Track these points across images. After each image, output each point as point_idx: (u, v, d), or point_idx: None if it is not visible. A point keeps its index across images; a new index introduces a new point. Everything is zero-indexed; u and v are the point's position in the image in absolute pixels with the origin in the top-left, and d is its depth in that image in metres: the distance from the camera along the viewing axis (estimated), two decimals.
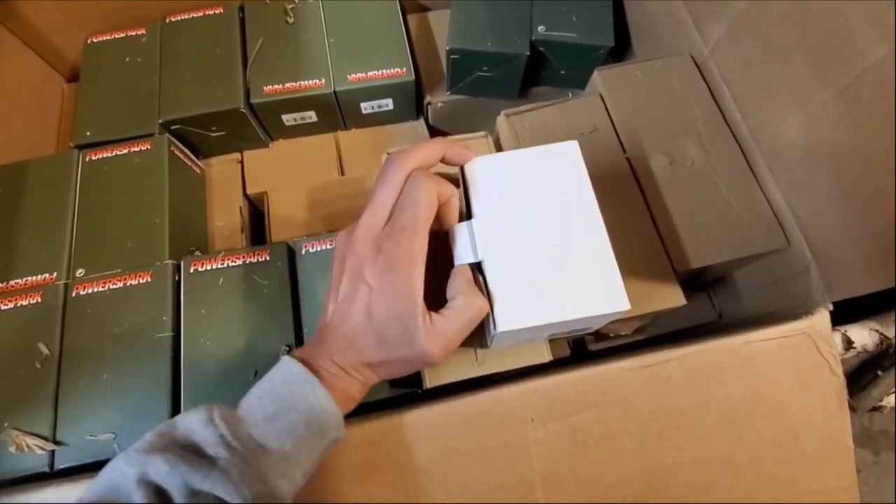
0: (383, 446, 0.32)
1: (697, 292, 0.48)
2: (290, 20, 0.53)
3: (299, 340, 0.38)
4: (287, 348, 0.37)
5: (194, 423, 0.25)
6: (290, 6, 0.53)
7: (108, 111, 0.50)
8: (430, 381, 0.33)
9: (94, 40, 0.53)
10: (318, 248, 0.41)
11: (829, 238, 0.34)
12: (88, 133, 0.49)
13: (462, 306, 0.27)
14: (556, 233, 0.28)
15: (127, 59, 0.52)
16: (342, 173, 0.54)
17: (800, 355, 0.34)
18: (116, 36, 0.53)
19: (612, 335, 0.44)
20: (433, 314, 0.27)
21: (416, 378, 0.34)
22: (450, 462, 0.32)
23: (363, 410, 0.35)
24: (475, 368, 0.34)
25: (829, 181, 0.33)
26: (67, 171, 0.46)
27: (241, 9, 0.54)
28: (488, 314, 0.28)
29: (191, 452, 0.24)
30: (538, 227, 0.28)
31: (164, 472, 0.23)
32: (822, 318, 0.34)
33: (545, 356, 0.34)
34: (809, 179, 0.35)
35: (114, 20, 0.54)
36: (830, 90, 0.31)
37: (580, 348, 0.46)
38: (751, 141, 0.39)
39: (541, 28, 0.48)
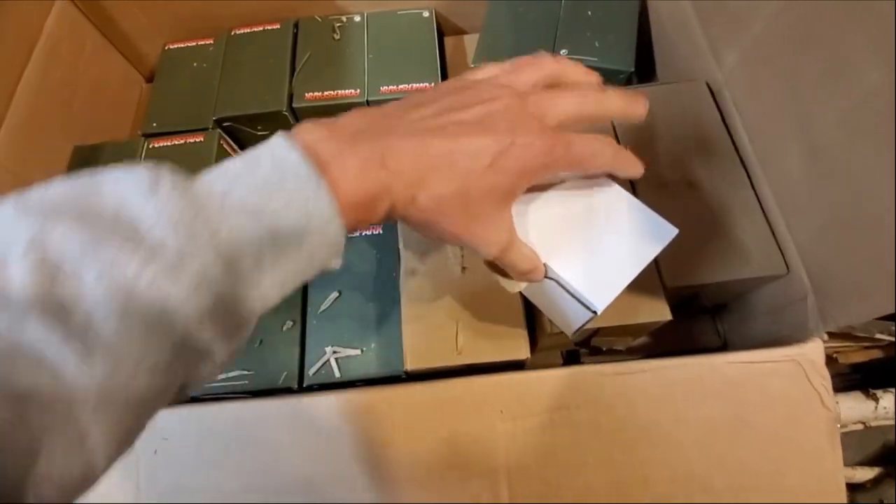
0: (354, 419, 0.34)
1: (701, 317, 0.47)
2: (337, 37, 0.58)
3: (304, 318, 0.41)
4: (291, 324, 0.41)
5: (130, 189, 0.17)
6: (339, 24, 0.59)
7: (173, 107, 0.57)
8: (410, 365, 0.35)
9: (171, 47, 0.61)
10: None
11: (826, 265, 0.33)
12: (155, 124, 0.56)
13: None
14: (585, 210, 0.29)
15: (195, 64, 0.59)
16: None
17: (788, 383, 0.33)
18: (189, 44, 0.61)
19: (605, 349, 0.44)
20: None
21: (398, 362, 0.36)
22: (417, 441, 0.33)
23: (343, 386, 0.37)
24: (455, 357, 0.35)
25: (828, 207, 0.33)
26: (132, 155, 0.53)
27: (296, 24, 0.60)
28: (572, 302, 0.28)
29: (122, 231, 0.16)
30: (568, 213, 0.29)
31: (72, 249, 0.16)
32: (814, 347, 0.33)
33: (524, 352, 0.35)
34: (810, 205, 0.34)
35: (189, 30, 0.61)
36: (831, 116, 0.31)
37: (573, 361, 0.47)
38: (757, 166, 0.39)
39: (563, 51, 0.51)
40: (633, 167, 0.28)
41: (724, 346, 0.46)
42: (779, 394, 0.33)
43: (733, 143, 0.41)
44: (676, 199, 0.39)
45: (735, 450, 0.33)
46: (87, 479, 0.16)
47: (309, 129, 0.21)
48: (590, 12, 0.52)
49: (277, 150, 0.20)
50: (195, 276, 0.17)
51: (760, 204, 0.39)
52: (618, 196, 0.29)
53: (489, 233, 0.24)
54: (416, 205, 0.22)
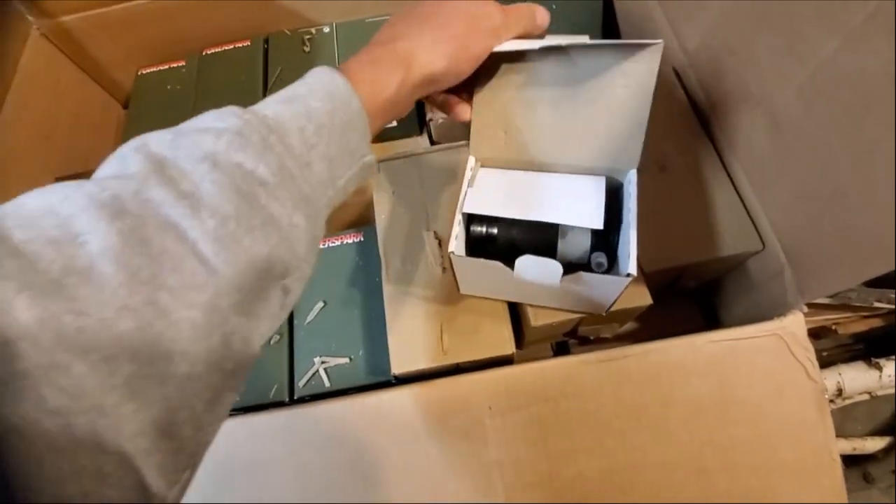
0: (347, 425, 0.34)
1: (686, 300, 0.47)
2: (307, 49, 0.59)
3: (291, 331, 0.41)
4: (278, 338, 0.41)
5: (203, 118, 0.22)
6: (308, 37, 0.59)
7: (149, 131, 0.57)
8: (397, 369, 0.35)
9: (144, 72, 0.62)
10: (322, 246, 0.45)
11: (798, 238, 0.34)
12: None
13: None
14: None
15: (168, 86, 0.60)
16: None
17: (771, 358, 0.33)
18: (161, 68, 0.61)
19: (592, 338, 0.44)
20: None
21: (388, 367, 0.36)
22: (409, 444, 0.34)
23: (334, 395, 0.38)
24: (441, 358, 0.35)
25: (795, 180, 0.33)
26: None
27: (266, 40, 0.60)
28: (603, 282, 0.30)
29: (201, 127, 0.21)
30: None
31: (166, 140, 0.20)
32: (795, 320, 0.34)
33: (509, 348, 0.35)
34: (778, 179, 0.34)
35: (161, 53, 0.62)
36: (789, 89, 0.32)
37: (562, 352, 0.47)
38: (726, 145, 0.39)
39: None
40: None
41: (710, 327, 0.46)
42: (763, 369, 0.33)
43: (702, 124, 0.41)
44: (650, 184, 0.39)
45: (724, 428, 0.33)
46: (229, 356, 0.19)
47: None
48: (554, 6, 0.53)
49: (312, 70, 0.25)
50: (257, 143, 0.20)
51: (733, 182, 0.39)
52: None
53: (489, 25, 0.28)
54: (437, 53, 0.27)
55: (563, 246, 0.31)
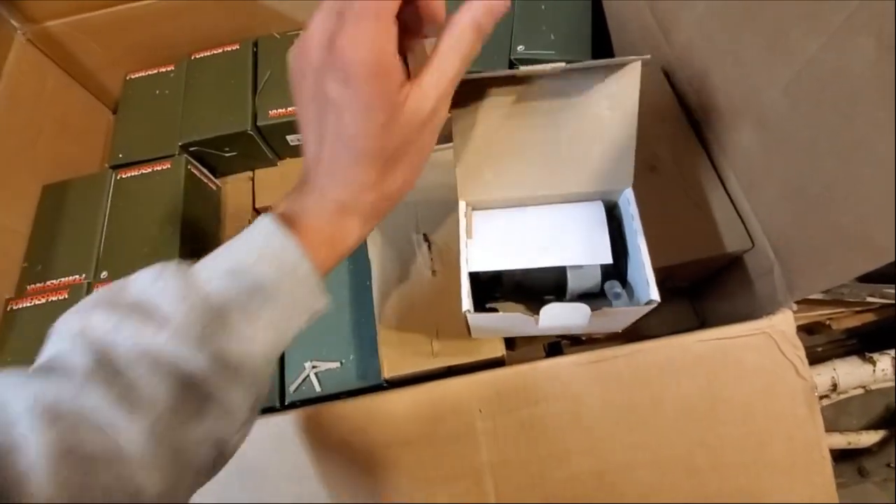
0: (337, 430, 0.34)
1: (679, 299, 0.47)
2: None
3: None
4: None
5: (145, 279, 0.22)
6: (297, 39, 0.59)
7: (138, 136, 0.57)
8: (388, 372, 0.35)
9: (132, 76, 0.61)
10: None
11: (786, 236, 0.34)
12: (121, 155, 0.56)
13: (452, 39, 0.23)
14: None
15: (157, 91, 0.59)
16: None
17: (761, 356, 0.33)
18: (150, 72, 0.61)
19: (584, 338, 0.44)
20: (416, 81, 0.22)
21: (379, 371, 0.36)
22: (400, 448, 0.33)
23: (326, 400, 0.37)
24: (432, 361, 0.35)
25: (782, 177, 0.33)
26: (101, 188, 0.53)
27: (255, 43, 0.60)
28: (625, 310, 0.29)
29: (141, 311, 0.21)
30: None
31: (107, 328, 0.20)
32: (784, 318, 0.34)
33: (499, 351, 0.35)
34: (766, 177, 0.35)
35: (150, 58, 0.61)
36: (775, 88, 0.32)
37: (555, 353, 0.47)
38: (715, 143, 0.39)
39: (520, 48, 0.51)
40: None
41: (702, 327, 0.46)
42: (752, 367, 0.33)
43: (691, 123, 0.41)
44: (640, 185, 0.39)
45: (714, 427, 0.33)
46: None
47: (289, 193, 0.25)
48: (543, 6, 0.53)
49: (257, 222, 0.23)
50: (196, 335, 0.21)
51: (722, 181, 0.39)
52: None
53: (420, 123, 0.23)
54: (373, 191, 0.24)
55: (573, 281, 0.31)
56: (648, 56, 0.28)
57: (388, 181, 0.24)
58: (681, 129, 0.41)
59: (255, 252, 0.22)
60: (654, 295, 0.27)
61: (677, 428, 0.33)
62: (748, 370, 0.33)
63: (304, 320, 0.24)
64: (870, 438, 0.77)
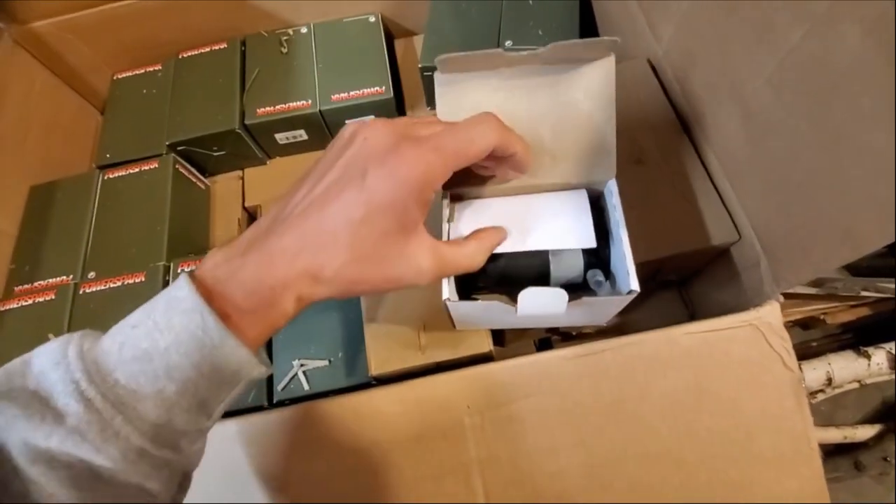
0: (325, 429, 0.34)
1: (669, 292, 0.47)
2: (284, 50, 0.58)
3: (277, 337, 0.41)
4: None
5: (46, 362, 0.20)
6: (285, 38, 0.59)
7: (125, 136, 0.56)
8: (375, 370, 0.35)
9: (119, 76, 0.61)
10: None
11: (772, 227, 0.34)
12: (108, 155, 0.55)
13: (478, 239, 0.28)
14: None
15: (144, 91, 0.59)
16: None
17: (747, 348, 0.33)
18: (137, 72, 0.61)
19: (575, 333, 0.44)
20: (436, 241, 0.25)
21: (367, 369, 0.36)
22: (388, 446, 0.33)
23: (314, 398, 0.37)
24: (419, 357, 0.35)
25: (765, 169, 0.33)
26: (88, 188, 0.52)
27: (243, 42, 0.60)
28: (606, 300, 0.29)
29: (38, 402, 0.19)
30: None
31: (2, 426, 0.19)
32: (771, 309, 0.34)
33: (486, 346, 0.35)
34: (751, 169, 0.34)
35: (137, 57, 0.61)
36: (760, 78, 0.32)
37: (546, 347, 0.47)
38: (701, 135, 0.39)
39: (508, 43, 0.51)
40: (521, 144, 0.27)
41: (692, 320, 0.46)
42: (739, 359, 0.33)
43: (677, 115, 0.41)
44: (626, 178, 0.39)
45: (702, 419, 0.33)
46: None
47: (210, 257, 0.23)
48: (531, 2, 0.52)
49: (173, 291, 0.21)
50: (97, 439, 0.19)
51: (709, 173, 0.39)
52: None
53: (410, 266, 0.24)
54: (322, 285, 0.23)
55: (556, 269, 0.30)
56: (618, 39, 0.28)
57: (349, 271, 0.23)
58: (667, 121, 0.41)
59: (171, 334, 0.20)
60: (635, 285, 0.27)
61: (665, 421, 0.33)
62: (735, 362, 0.33)
63: (235, 394, 0.23)
64: (866, 433, 0.77)
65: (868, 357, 0.72)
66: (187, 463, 0.23)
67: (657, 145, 0.40)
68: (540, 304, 0.28)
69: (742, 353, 0.33)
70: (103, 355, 0.20)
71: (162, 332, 0.20)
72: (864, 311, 0.68)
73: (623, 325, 0.47)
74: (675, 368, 0.33)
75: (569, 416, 0.33)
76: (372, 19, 0.59)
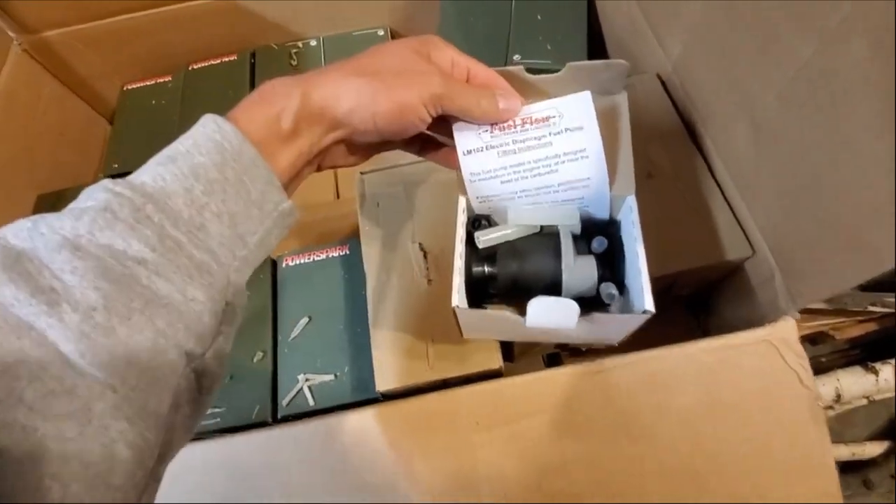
0: (331, 445, 0.33)
1: (680, 308, 0.47)
2: (294, 62, 0.59)
3: (275, 348, 0.40)
4: (261, 355, 0.40)
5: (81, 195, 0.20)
6: (295, 50, 0.59)
7: (134, 146, 0.57)
8: (382, 386, 0.34)
9: (129, 87, 0.61)
10: (299, 262, 0.44)
11: (786, 242, 0.33)
12: (116, 165, 0.55)
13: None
14: None
15: (153, 101, 0.59)
16: (337, 196, 0.58)
17: (763, 364, 0.33)
18: (147, 83, 0.61)
19: (584, 349, 0.44)
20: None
21: (374, 384, 0.35)
22: (395, 463, 0.32)
23: (320, 413, 0.37)
24: (427, 373, 0.34)
25: (777, 183, 0.33)
26: None
27: (253, 54, 0.60)
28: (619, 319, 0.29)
29: (66, 209, 0.19)
30: None
31: (24, 229, 0.18)
32: (786, 325, 0.33)
33: (496, 362, 0.34)
34: (762, 183, 0.34)
35: (147, 68, 0.61)
36: (769, 92, 0.31)
37: (555, 364, 0.46)
38: (713, 149, 0.39)
39: (516, 57, 0.51)
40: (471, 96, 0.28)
41: (704, 335, 0.45)
42: (755, 376, 0.33)
43: (688, 129, 0.41)
44: (637, 191, 0.39)
45: (718, 435, 0.32)
46: (115, 468, 0.16)
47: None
48: (539, 16, 0.53)
49: (200, 120, 0.22)
50: (128, 219, 0.18)
51: (720, 187, 0.39)
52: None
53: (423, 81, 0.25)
54: (334, 86, 0.24)
55: (568, 278, 0.30)
56: (625, 62, 0.28)
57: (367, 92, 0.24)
58: (677, 135, 0.41)
59: (190, 140, 0.21)
60: (650, 305, 0.26)
61: (681, 437, 0.32)
62: (751, 378, 0.33)
63: (269, 224, 0.22)
64: (874, 449, 0.76)
65: (876, 373, 0.71)
66: (228, 287, 0.21)
67: (668, 159, 0.40)
68: (549, 315, 0.27)
69: (758, 370, 0.33)
70: (140, 171, 0.21)
71: (182, 141, 0.21)
72: (871, 327, 0.68)
73: (633, 340, 0.46)
74: (691, 385, 0.33)
75: (580, 431, 0.33)
76: (381, 33, 0.59)
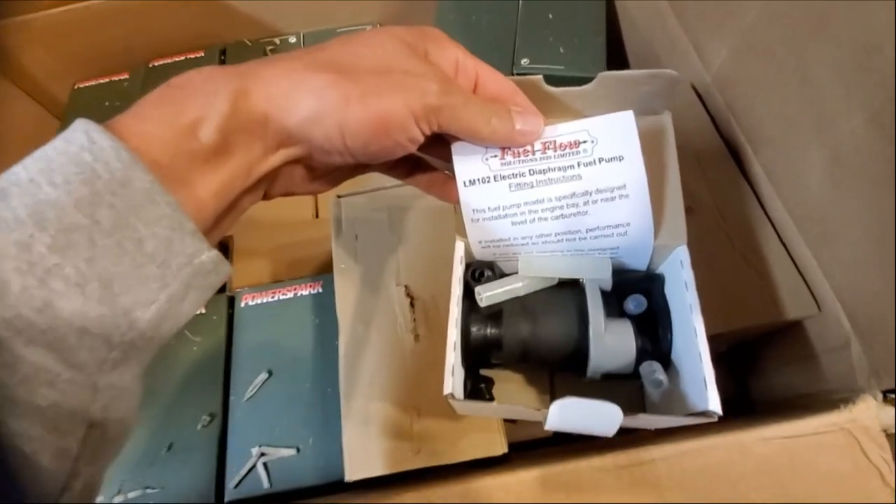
0: None
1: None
2: None
3: (225, 410, 0.33)
4: (208, 419, 0.32)
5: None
6: (271, 47, 0.52)
7: None
8: (351, 474, 0.27)
9: (81, 86, 0.54)
10: (261, 301, 0.36)
11: (872, 304, 0.26)
12: None
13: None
14: None
15: (107, 103, 0.52)
16: (317, 215, 0.51)
17: (840, 459, 0.26)
18: (101, 81, 0.53)
19: None
20: None
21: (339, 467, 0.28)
22: None
23: (277, 499, 0.29)
24: (411, 459, 0.27)
25: (864, 230, 0.26)
26: None
27: (223, 51, 0.53)
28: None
29: None
30: None
31: None
32: (867, 408, 0.26)
33: (499, 447, 0.27)
34: (842, 229, 0.27)
35: (102, 65, 0.54)
36: (860, 115, 0.25)
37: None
38: (766, 181, 0.32)
39: (524, 61, 0.44)
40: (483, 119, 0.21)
41: (746, 403, 0.38)
42: (829, 474, 0.26)
43: (732, 154, 0.34)
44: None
45: None
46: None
47: None
48: (551, 15, 0.46)
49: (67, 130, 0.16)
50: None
51: (774, 227, 0.32)
52: None
53: (412, 79, 0.18)
54: (286, 83, 0.17)
55: (597, 351, 0.23)
56: (675, 73, 0.22)
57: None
58: (721, 162, 0.34)
59: (42, 161, 0.14)
60: (715, 405, 0.19)
61: None
62: (823, 478, 0.26)
63: (177, 286, 0.15)
64: None
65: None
66: (94, 400, 0.14)
67: (709, 191, 0.33)
68: (580, 421, 0.20)
69: (832, 467, 0.26)
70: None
71: (27, 162, 0.14)
72: None
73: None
74: (749, 486, 0.25)
75: None
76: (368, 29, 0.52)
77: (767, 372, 0.36)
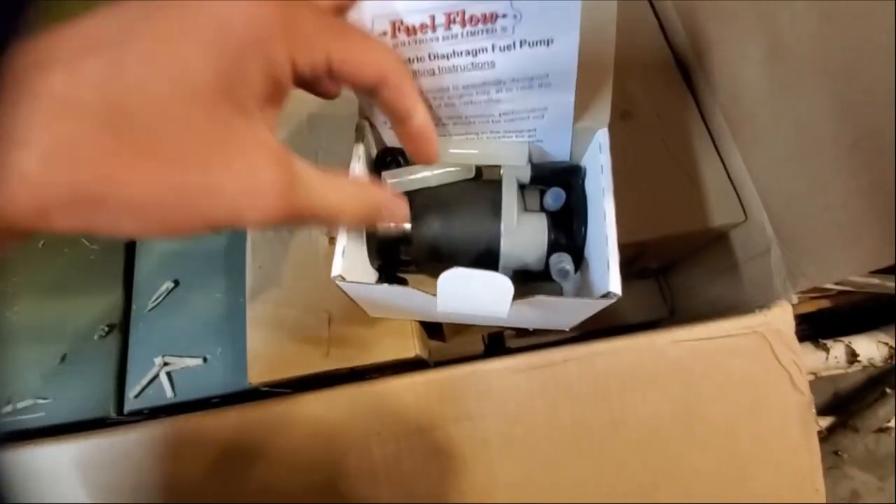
0: (192, 457, 0.24)
1: (646, 282, 0.39)
2: None
3: (126, 321, 0.30)
4: (106, 329, 0.30)
5: None
6: None
7: None
8: (255, 377, 0.25)
9: None
10: None
11: (794, 208, 0.26)
12: None
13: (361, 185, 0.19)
14: None
15: None
16: None
17: (750, 362, 0.26)
18: None
19: (532, 329, 0.36)
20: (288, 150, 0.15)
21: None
22: (280, 483, 0.24)
23: (181, 409, 0.28)
24: (321, 361, 0.26)
25: (796, 130, 0.25)
26: None
27: None
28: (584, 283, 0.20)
29: None
30: None
31: None
32: (781, 313, 0.26)
33: (412, 349, 0.26)
34: (772, 130, 0.26)
35: None
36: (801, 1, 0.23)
37: (497, 344, 0.38)
38: (705, 85, 0.30)
39: None
40: (422, 110, 0.18)
41: (672, 315, 0.39)
42: (738, 376, 0.26)
43: (678, 64, 0.32)
44: (611, 131, 0.31)
45: (687, 454, 0.26)
46: None
47: None
48: None
49: None
50: None
51: (712, 136, 0.30)
52: None
53: (237, 172, 0.13)
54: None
55: (507, 246, 0.21)
56: None
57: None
58: (663, 67, 0.32)
59: None
60: (615, 286, 0.18)
61: (641, 454, 0.25)
62: (732, 380, 0.26)
63: None
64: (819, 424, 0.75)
65: (826, 350, 0.69)
66: None
67: (649, 95, 0.31)
68: (471, 297, 0.19)
69: (743, 370, 0.26)
70: None
71: None
72: (824, 304, 0.65)
73: (589, 319, 0.39)
74: (659, 387, 0.25)
75: (515, 446, 0.25)
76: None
77: (695, 289, 0.36)
